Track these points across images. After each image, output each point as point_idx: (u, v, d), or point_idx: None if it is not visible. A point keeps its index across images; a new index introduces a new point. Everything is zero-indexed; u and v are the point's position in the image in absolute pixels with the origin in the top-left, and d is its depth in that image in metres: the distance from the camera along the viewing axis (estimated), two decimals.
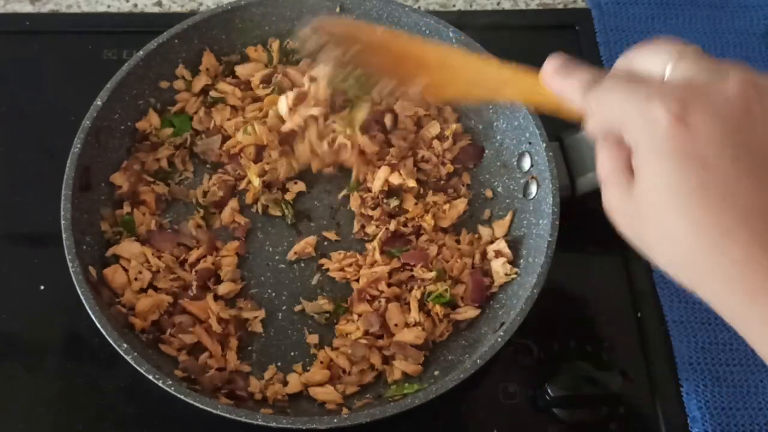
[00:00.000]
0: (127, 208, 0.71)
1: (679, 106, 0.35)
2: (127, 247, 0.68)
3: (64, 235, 0.63)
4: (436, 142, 0.75)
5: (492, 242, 0.71)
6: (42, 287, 0.71)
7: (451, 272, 0.69)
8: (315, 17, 0.55)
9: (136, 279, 0.67)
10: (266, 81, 0.77)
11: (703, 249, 0.36)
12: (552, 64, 0.44)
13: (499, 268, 0.68)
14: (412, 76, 0.52)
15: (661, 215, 0.37)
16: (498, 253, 0.69)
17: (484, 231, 0.72)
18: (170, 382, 0.57)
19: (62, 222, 0.63)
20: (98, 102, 0.69)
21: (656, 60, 0.39)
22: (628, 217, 0.40)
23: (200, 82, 0.77)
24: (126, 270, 0.68)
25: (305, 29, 0.56)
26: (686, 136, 0.35)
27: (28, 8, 0.88)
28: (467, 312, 0.67)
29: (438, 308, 0.67)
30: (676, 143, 0.35)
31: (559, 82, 0.43)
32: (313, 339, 0.67)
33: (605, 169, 0.41)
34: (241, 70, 0.78)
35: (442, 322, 0.67)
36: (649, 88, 0.37)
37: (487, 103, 0.48)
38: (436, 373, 0.65)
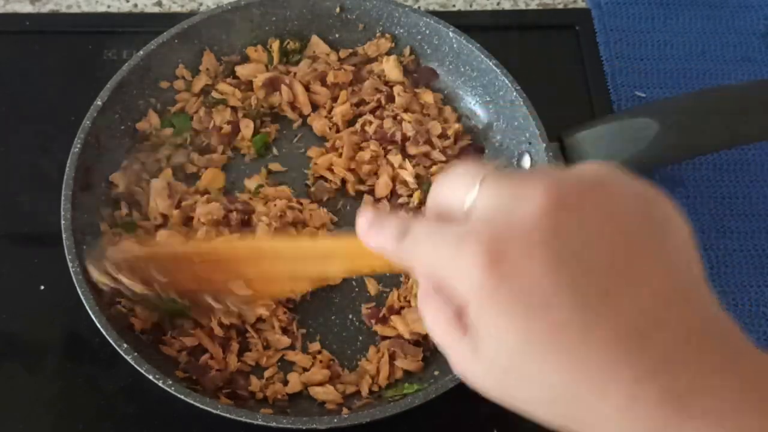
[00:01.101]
0: (125, 209, 0.71)
1: (487, 250, 0.31)
2: (127, 248, 0.68)
3: (64, 235, 0.63)
4: (436, 140, 0.75)
5: None
6: (42, 287, 0.71)
7: None
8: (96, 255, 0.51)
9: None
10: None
11: (579, 393, 0.31)
12: (362, 221, 0.39)
13: None
14: (229, 280, 0.47)
15: (519, 371, 0.32)
16: None
17: None
18: (170, 382, 0.57)
19: (62, 222, 0.63)
20: (98, 102, 0.69)
21: (457, 191, 0.35)
22: (484, 375, 0.34)
23: (200, 82, 0.77)
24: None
25: (94, 271, 0.51)
26: (507, 281, 0.31)
27: (28, 8, 0.88)
28: None
29: None
30: (499, 293, 0.31)
31: (374, 237, 0.38)
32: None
33: (439, 330, 0.35)
34: (241, 70, 0.78)
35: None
36: (454, 231, 0.33)
37: (320, 282, 0.45)
38: (436, 373, 0.65)
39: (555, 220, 0.31)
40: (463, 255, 0.32)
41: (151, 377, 0.57)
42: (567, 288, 0.30)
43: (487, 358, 0.33)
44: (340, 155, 0.74)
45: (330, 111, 0.77)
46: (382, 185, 0.73)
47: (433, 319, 0.35)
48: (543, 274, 0.30)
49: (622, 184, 0.33)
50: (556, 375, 0.31)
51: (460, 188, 0.35)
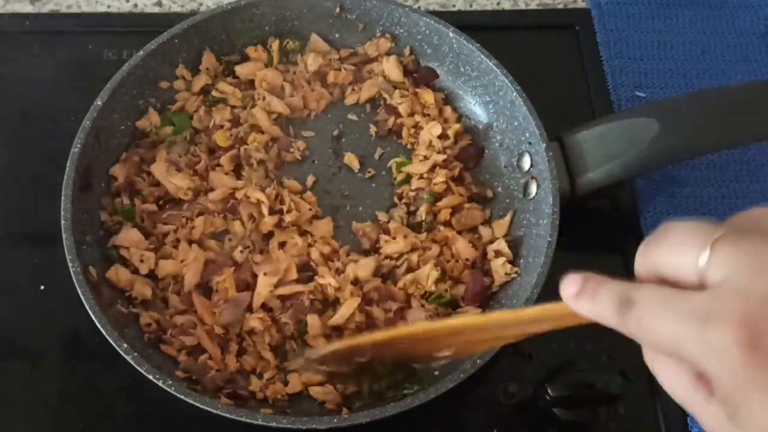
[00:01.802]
0: (126, 201, 0.71)
1: (744, 331, 0.29)
2: (127, 236, 0.68)
3: (64, 235, 0.63)
4: (436, 140, 0.75)
5: (492, 242, 0.71)
6: (42, 287, 0.71)
7: (452, 273, 0.69)
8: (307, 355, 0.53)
9: (141, 261, 0.67)
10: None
11: None
12: (568, 290, 0.38)
13: (499, 267, 0.68)
14: (434, 351, 0.48)
15: None
16: (498, 253, 0.69)
17: (484, 231, 0.72)
18: (170, 382, 0.57)
19: (62, 222, 0.63)
20: (98, 102, 0.69)
21: (684, 254, 0.33)
22: None
23: (200, 81, 0.77)
24: (126, 262, 0.68)
25: (307, 364, 0.53)
26: (765, 363, 0.29)
27: (28, 8, 0.88)
28: (468, 312, 0.67)
29: (438, 309, 0.67)
30: (759, 375, 0.29)
31: (586, 308, 0.37)
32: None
33: (682, 395, 0.35)
34: (241, 70, 0.78)
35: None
36: (698, 303, 0.31)
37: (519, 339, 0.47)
38: (436, 373, 0.65)
39: None
40: (714, 336, 0.30)
41: (151, 377, 0.57)
42: None
43: (745, 427, 0.31)
44: None
45: None
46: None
47: (671, 383, 0.35)
48: None
49: None
50: None
51: (687, 250, 0.33)
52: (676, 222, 0.34)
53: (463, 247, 0.70)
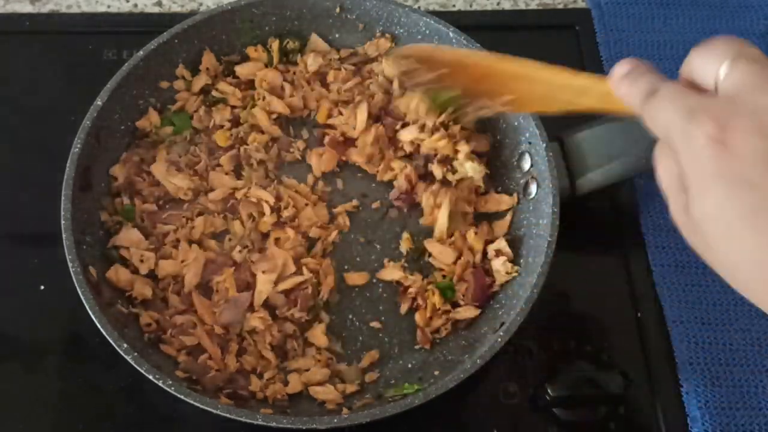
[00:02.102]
0: (126, 201, 0.71)
1: (716, 126, 0.34)
2: (127, 236, 0.69)
3: (64, 235, 0.63)
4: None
5: (492, 241, 0.71)
6: (42, 287, 0.71)
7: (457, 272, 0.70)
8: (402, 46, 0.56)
9: (141, 261, 0.67)
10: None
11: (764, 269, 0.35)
12: (619, 70, 0.43)
13: (500, 267, 0.68)
14: (495, 93, 0.53)
15: (716, 237, 0.36)
16: (498, 252, 0.69)
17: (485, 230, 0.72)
18: (170, 382, 0.57)
19: (62, 222, 0.63)
20: (98, 102, 0.69)
21: (710, 64, 0.38)
22: (688, 231, 0.39)
23: (200, 81, 0.77)
24: (126, 262, 0.68)
25: (393, 57, 0.57)
26: (726, 158, 0.34)
27: (28, 8, 0.88)
28: (467, 311, 0.67)
29: (437, 299, 0.68)
30: (717, 166, 0.34)
31: (624, 89, 0.42)
32: None
33: (663, 183, 0.40)
34: (241, 70, 0.78)
35: (441, 318, 0.68)
36: (692, 103, 0.36)
37: (566, 113, 0.49)
38: (436, 373, 0.65)
39: None
40: (691, 126, 0.35)
41: (151, 377, 0.57)
42: None
43: (694, 218, 0.37)
44: None
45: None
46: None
47: (663, 172, 0.40)
48: (757, 162, 0.33)
49: None
50: (748, 252, 0.35)
51: (713, 61, 0.38)
52: (722, 37, 0.39)
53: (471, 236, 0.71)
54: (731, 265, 0.37)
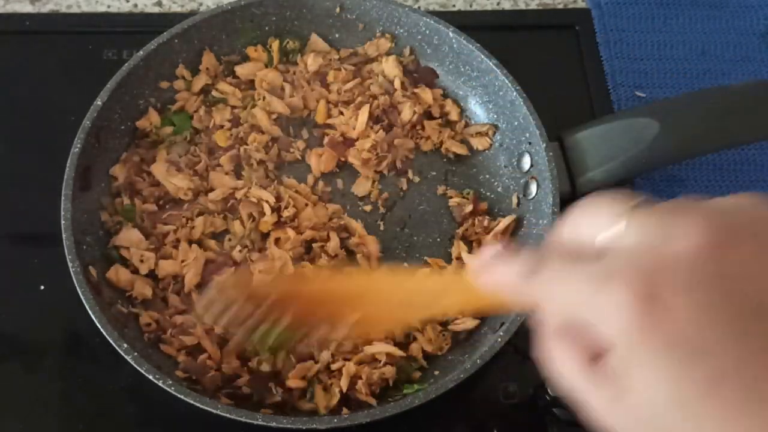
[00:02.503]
0: (126, 201, 0.71)
1: (638, 289, 0.28)
2: (127, 236, 0.68)
3: (64, 235, 0.63)
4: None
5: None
6: (42, 287, 0.71)
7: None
8: (213, 283, 0.49)
9: (141, 261, 0.67)
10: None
11: None
12: (480, 258, 0.37)
13: None
14: (339, 315, 0.45)
15: (673, 422, 0.29)
16: None
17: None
18: (170, 382, 0.57)
19: (62, 222, 0.63)
20: (98, 102, 0.69)
21: (598, 224, 0.33)
22: (625, 426, 0.31)
23: (200, 81, 0.77)
24: (126, 262, 0.68)
25: (206, 296, 0.48)
26: (661, 324, 0.28)
27: (28, 8, 0.88)
28: (465, 323, 0.67)
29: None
30: (652, 336, 0.28)
31: (492, 275, 0.36)
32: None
33: (570, 375, 0.32)
34: (240, 70, 0.78)
35: (439, 337, 0.67)
36: (598, 268, 0.30)
37: (430, 320, 0.44)
38: (436, 373, 0.65)
39: (713, 258, 0.28)
40: (609, 293, 0.29)
41: (151, 377, 0.57)
42: (731, 335, 0.27)
43: (633, 407, 0.30)
44: None
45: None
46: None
47: (563, 363, 0.32)
48: (702, 319, 0.28)
49: None
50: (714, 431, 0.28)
51: (603, 218, 0.33)
52: (598, 194, 0.34)
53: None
54: None
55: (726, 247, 0.29)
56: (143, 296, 0.67)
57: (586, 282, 0.30)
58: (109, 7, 0.89)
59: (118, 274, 0.66)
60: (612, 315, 0.29)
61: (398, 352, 0.64)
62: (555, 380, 0.33)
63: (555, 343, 0.33)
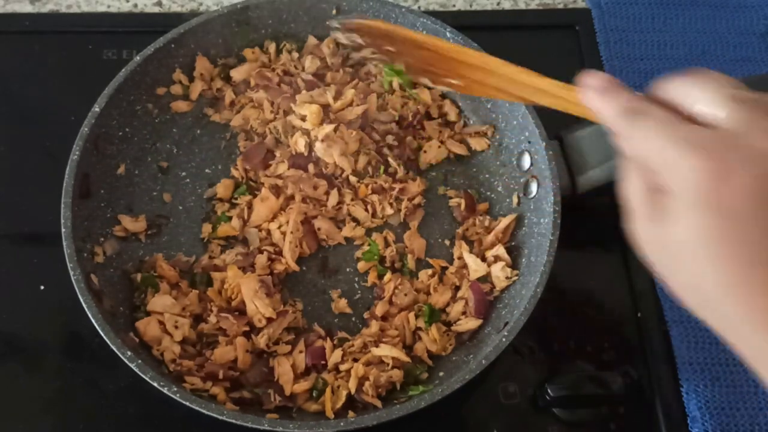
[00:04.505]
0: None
1: (719, 164, 0.35)
2: (160, 301, 0.66)
3: (64, 243, 0.63)
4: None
5: (490, 248, 0.71)
6: (42, 287, 0.71)
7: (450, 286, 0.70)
8: (346, 17, 0.55)
9: (176, 327, 0.65)
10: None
11: (730, 301, 0.36)
12: (592, 84, 0.43)
13: (499, 272, 0.68)
14: (442, 76, 0.53)
15: (691, 262, 0.37)
16: (497, 258, 0.69)
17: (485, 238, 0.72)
18: (175, 389, 0.57)
19: (62, 230, 0.63)
20: (96, 108, 0.68)
21: (703, 99, 0.38)
22: (655, 249, 0.40)
23: (197, 88, 0.77)
24: (161, 323, 0.65)
25: (339, 30, 0.54)
26: (724, 194, 0.35)
27: (28, 8, 0.88)
28: (468, 323, 0.67)
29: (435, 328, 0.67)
30: (713, 200, 0.35)
31: (599, 102, 0.43)
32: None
33: (635, 199, 0.40)
34: (236, 74, 0.78)
35: (444, 337, 0.67)
36: (692, 136, 0.37)
37: (519, 101, 0.50)
38: (441, 374, 0.65)
39: None
40: (693, 159, 0.36)
41: (155, 384, 0.57)
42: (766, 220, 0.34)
43: (665, 236, 0.38)
44: None
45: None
46: None
47: (632, 187, 0.40)
48: (757, 203, 0.35)
49: None
50: (719, 285, 0.36)
51: (711, 95, 0.38)
52: (708, 72, 0.39)
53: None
54: (691, 286, 0.38)
55: None
56: (170, 353, 0.64)
57: (675, 144, 0.37)
58: (109, 7, 0.89)
59: (148, 327, 0.64)
60: (684, 176, 0.36)
61: (405, 357, 0.64)
62: (624, 200, 0.41)
63: (628, 172, 0.41)
